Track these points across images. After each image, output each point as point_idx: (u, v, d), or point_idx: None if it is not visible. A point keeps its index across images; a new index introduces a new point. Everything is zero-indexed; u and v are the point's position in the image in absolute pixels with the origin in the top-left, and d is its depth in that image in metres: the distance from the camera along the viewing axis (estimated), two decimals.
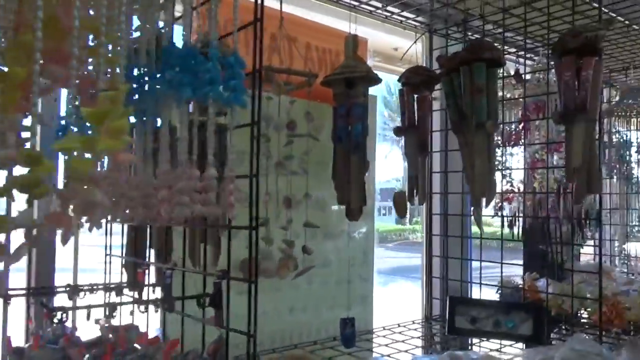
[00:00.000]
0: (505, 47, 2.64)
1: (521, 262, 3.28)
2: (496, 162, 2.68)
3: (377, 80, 1.89)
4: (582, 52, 1.78)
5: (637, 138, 3.14)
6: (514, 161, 2.96)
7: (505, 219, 2.78)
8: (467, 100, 1.95)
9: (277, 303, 2.08)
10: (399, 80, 2.33)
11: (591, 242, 3.44)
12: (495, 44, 2.39)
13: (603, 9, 2.19)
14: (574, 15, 1.98)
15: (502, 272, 2.45)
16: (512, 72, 2.71)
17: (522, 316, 2.00)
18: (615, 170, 3.13)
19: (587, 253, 3.52)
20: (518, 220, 2.85)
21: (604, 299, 2.33)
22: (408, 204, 2.32)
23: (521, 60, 2.36)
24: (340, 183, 1.81)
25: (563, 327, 2.62)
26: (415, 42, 2.34)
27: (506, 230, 2.77)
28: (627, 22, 2.63)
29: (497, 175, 2.67)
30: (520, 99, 2.45)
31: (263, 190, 1.83)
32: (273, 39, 2.02)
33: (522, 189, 2.85)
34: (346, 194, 1.80)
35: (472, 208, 2.19)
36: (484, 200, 1.95)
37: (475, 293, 2.71)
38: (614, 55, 3.18)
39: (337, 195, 1.82)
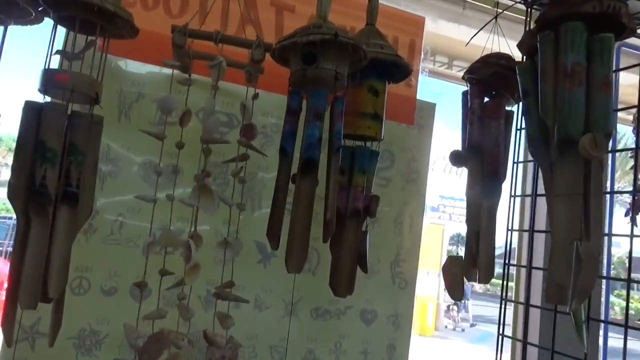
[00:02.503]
0: None
1: None
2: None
3: (365, 56, 1.11)
4: None
5: None
6: None
7: None
8: (547, 93, 1.05)
9: None
10: (462, 78, 1.48)
11: None
12: None
13: None
14: None
15: None
16: None
17: None
18: None
19: None
20: None
21: None
22: (465, 280, 1.44)
23: None
24: (276, 225, 1.05)
25: None
26: (495, 18, 1.47)
27: None
28: None
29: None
30: None
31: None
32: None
33: None
34: (289, 245, 1.02)
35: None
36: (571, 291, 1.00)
37: None
38: None
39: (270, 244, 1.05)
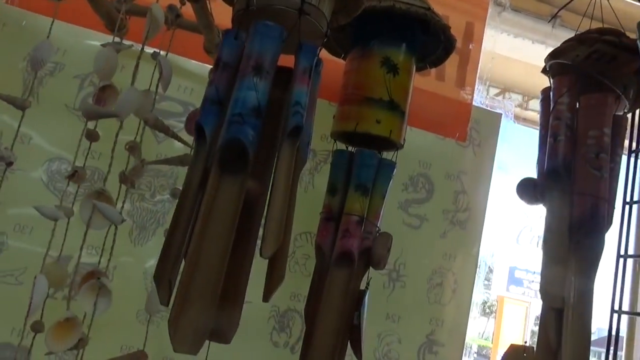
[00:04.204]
0: None
1: None
2: None
3: None
4: None
5: None
6: None
7: None
8: None
9: None
10: (543, 70, 0.99)
11: None
12: None
13: None
14: None
15: None
16: None
17: None
18: None
19: None
20: None
21: None
22: None
23: None
24: (172, 258, 0.57)
25: None
26: None
27: None
28: None
29: None
30: None
31: None
32: None
33: None
34: (177, 301, 0.54)
35: None
36: None
37: None
38: None
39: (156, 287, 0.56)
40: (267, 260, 0.63)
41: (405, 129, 0.84)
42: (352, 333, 0.79)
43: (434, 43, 0.88)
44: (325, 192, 0.85)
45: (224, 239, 0.56)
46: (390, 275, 1.03)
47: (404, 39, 0.83)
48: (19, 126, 0.70)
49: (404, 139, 0.84)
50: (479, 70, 1.17)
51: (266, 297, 0.62)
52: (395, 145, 0.84)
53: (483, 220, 1.09)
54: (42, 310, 0.76)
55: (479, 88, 1.14)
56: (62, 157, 0.94)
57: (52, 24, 0.76)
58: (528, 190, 0.96)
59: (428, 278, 1.05)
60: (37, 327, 0.78)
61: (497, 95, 2.26)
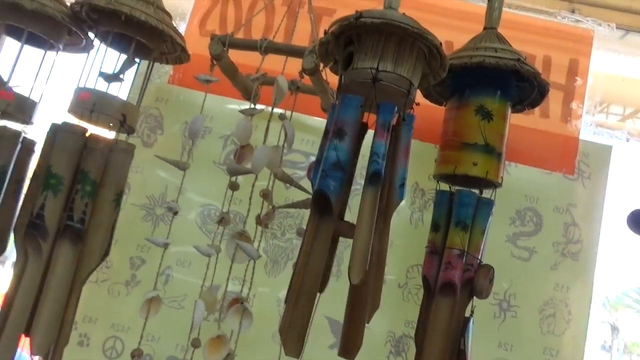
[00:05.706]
0: None
1: None
2: None
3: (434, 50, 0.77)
4: None
5: None
6: None
7: None
8: None
9: None
10: None
11: None
12: None
13: None
14: None
15: None
16: None
17: None
18: None
19: None
20: None
21: None
22: None
23: None
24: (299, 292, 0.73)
25: None
26: None
27: None
28: None
29: None
30: None
31: None
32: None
33: None
34: (284, 320, 0.69)
35: None
36: None
37: None
38: None
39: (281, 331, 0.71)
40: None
41: (503, 169, 0.92)
42: (459, 357, 0.88)
43: (529, 87, 0.95)
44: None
45: (318, 267, 0.70)
46: (501, 305, 1.09)
47: (498, 86, 0.92)
48: (182, 183, 0.91)
49: (502, 178, 0.92)
50: (588, 97, 1.18)
51: (368, 318, 0.74)
52: (493, 184, 0.92)
53: (596, 252, 1.10)
54: (199, 329, 0.95)
55: (585, 121, 1.16)
56: (211, 204, 1.15)
57: (204, 100, 0.96)
58: (638, 221, 0.97)
59: (540, 309, 1.08)
60: (195, 343, 0.97)
61: (621, 120, 2.17)
